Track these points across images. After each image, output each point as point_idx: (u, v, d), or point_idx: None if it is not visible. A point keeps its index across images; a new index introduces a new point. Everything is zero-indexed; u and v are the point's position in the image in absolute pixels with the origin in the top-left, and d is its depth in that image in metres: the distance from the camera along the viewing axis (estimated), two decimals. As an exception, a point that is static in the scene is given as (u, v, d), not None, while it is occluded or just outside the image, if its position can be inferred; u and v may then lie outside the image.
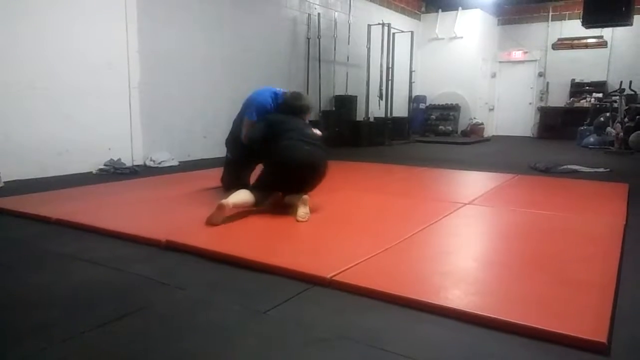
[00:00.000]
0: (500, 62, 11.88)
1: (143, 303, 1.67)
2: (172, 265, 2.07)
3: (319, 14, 7.85)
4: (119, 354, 1.35)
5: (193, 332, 1.47)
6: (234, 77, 6.54)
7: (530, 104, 11.65)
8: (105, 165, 4.83)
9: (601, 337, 1.38)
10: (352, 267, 1.94)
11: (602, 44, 10.62)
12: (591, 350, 1.35)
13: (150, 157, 5.36)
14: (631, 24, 7.93)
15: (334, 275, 1.84)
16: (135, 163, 5.21)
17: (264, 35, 7.02)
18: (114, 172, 4.71)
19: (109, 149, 4.98)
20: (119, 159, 4.96)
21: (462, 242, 2.47)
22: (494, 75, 11.89)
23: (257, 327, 1.51)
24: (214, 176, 4.60)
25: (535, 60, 11.49)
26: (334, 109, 8.37)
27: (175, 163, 5.43)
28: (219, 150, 6.27)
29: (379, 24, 8.93)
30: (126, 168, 4.86)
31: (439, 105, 11.26)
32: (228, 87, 6.47)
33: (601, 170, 5.38)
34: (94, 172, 4.77)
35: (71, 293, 1.78)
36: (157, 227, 2.58)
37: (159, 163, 5.30)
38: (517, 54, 11.69)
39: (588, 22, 7.93)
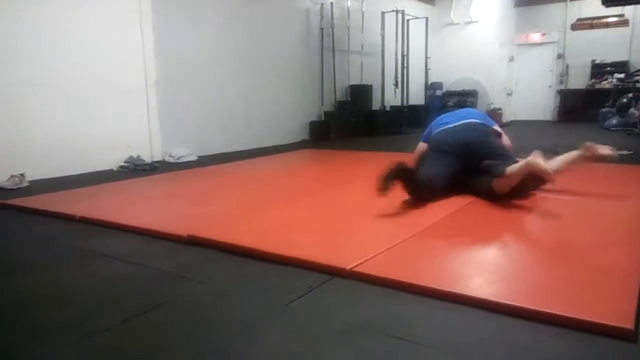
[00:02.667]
0: (517, 45, 11.67)
1: (166, 298, 1.70)
2: (194, 260, 2.10)
3: (331, 3, 7.79)
4: (143, 350, 1.37)
5: (216, 325, 1.49)
6: (248, 70, 6.57)
7: (549, 87, 11.43)
8: (125, 162, 4.91)
9: (628, 323, 1.36)
10: (371, 257, 1.94)
11: (623, 22, 10.32)
12: (618, 337, 1.33)
13: (169, 153, 5.42)
14: (654, 1, 7.70)
15: (354, 267, 1.84)
16: (154, 159, 5.28)
17: (277, 28, 7.01)
18: (134, 169, 4.78)
19: (129, 146, 5.06)
20: (139, 156, 5.03)
21: (482, 229, 2.45)
22: (511, 59, 11.68)
23: (280, 320, 1.52)
24: (233, 170, 4.65)
25: (554, 42, 11.25)
26: (349, 98, 8.34)
27: (194, 158, 5.49)
28: (237, 144, 6.34)
29: (392, 11, 8.84)
30: (146, 164, 4.93)
31: (455, 91, 11.11)
32: (243, 81, 6.51)
33: (624, 152, 5.25)
34: (115, 169, 4.85)
35: (95, 289, 1.82)
36: (178, 222, 2.61)
37: (178, 158, 5.36)
38: (535, 36, 11.46)
39: (609, 1, 7.71)
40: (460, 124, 3.30)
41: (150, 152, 5.34)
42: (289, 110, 7.31)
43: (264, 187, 3.81)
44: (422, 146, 3.48)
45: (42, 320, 1.55)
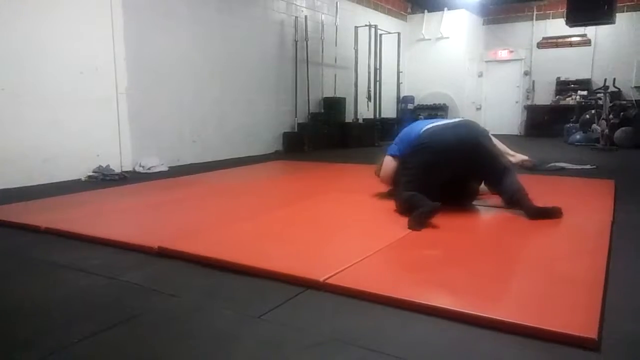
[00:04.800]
0: (486, 61, 12.00)
1: (135, 311, 1.67)
2: (165, 272, 2.06)
3: (306, 16, 7.87)
4: (113, 363, 1.34)
5: (187, 339, 1.47)
6: (222, 80, 6.55)
7: (516, 102, 11.78)
8: (93, 172, 4.80)
9: (591, 333, 1.40)
10: (345, 269, 1.95)
11: (586, 42, 10.77)
12: (582, 347, 1.37)
13: (139, 163, 5.33)
14: (614, 22, 8.06)
15: (327, 278, 1.84)
16: (124, 169, 5.19)
17: (252, 39, 7.02)
18: (103, 179, 4.68)
19: (97, 155, 4.95)
20: (108, 165, 4.93)
21: (452, 241, 2.49)
22: (480, 75, 12.00)
23: (252, 333, 1.51)
24: (205, 181, 4.60)
25: (521, 59, 11.62)
26: (323, 110, 8.39)
27: (164, 168, 5.41)
28: (209, 154, 6.29)
29: (365, 25, 8.97)
30: (115, 174, 4.83)
31: (427, 105, 11.33)
32: (216, 91, 6.48)
33: (588, 167, 5.45)
34: (83, 179, 4.73)
35: (62, 303, 1.77)
36: (148, 234, 2.57)
37: (149, 169, 5.28)
38: (503, 53, 11.81)
39: (572, 21, 8.04)
40: (457, 121, 3.24)
41: (120, 162, 5.24)
42: (262, 121, 7.31)
43: (237, 198, 3.79)
44: (391, 161, 3.35)
45: (6, 335, 1.50)
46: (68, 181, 4.59)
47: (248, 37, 6.95)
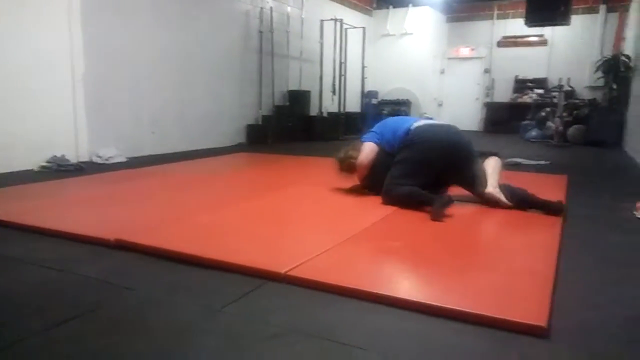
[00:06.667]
0: (448, 58, 12.22)
1: (91, 305, 1.62)
2: (122, 265, 2.01)
3: (271, 7, 7.79)
4: None
5: (144, 333, 1.44)
6: (184, 70, 6.41)
7: (477, 99, 12.06)
8: (48, 162, 4.61)
9: (542, 321, 1.46)
10: (306, 261, 1.96)
11: (543, 42, 11.13)
12: (533, 334, 1.43)
13: (96, 153, 5.16)
14: (569, 24, 8.35)
15: (289, 271, 1.84)
16: (80, 159, 5.01)
17: (215, 28, 6.90)
18: (58, 169, 4.50)
19: (52, 144, 4.76)
20: (63, 155, 4.75)
21: (411, 235, 2.53)
22: (442, 72, 12.21)
23: (212, 325, 1.49)
24: (164, 172, 4.50)
25: (482, 57, 11.89)
26: (287, 103, 8.35)
27: (123, 159, 5.26)
28: (170, 145, 6.16)
29: (331, 19, 8.97)
30: (71, 165, 4.66)
31: (390, 100, 11.45)
32: (177, 80, 6.34)
33: (542, 162, 5.65)
34: (36, 169, 4.54)
35: (12, 297, 1.70)
36: (105, 226, 2.50)
37: (106, 159, 5.12)
38: (465, 51, 12.06)
39: (530, 21, 8.29)
40: (446, 124, 3.38)
41: (76, 152, 5.06)
42: (225, 113, 7.20)
43: (197, 190, 3.73)
44: (373, 148, 3.35)
45: (-52, 332, 1.43)
46: (19, 172, 4.39)
47: (211, 26, 6.82)
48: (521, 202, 2.99)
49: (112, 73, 5.42)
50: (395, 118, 3.48)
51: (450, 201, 2.82)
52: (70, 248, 2.22)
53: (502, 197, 2.98)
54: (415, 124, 3.23)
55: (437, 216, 2.73)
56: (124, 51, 5.53)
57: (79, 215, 2.87)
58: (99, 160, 5.09)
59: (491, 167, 3.12)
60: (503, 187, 3.05)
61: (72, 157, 4.90)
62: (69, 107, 4.99)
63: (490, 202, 3.03)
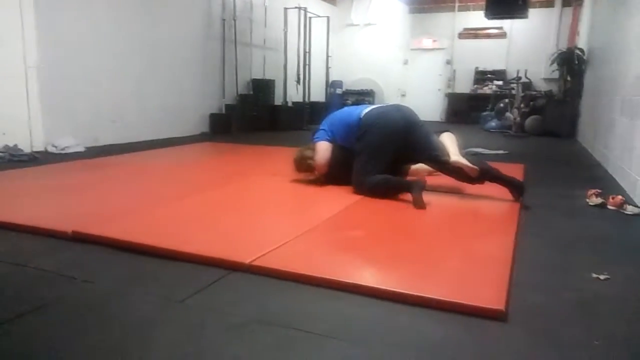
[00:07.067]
0: (411, 49, 12.33)
1: (47, 299, 1.57)
2: (80, 258, 1.95)
3: (234, -6, 7.65)
4: (19, 355, 1.26)
5: (104, 326, 1.41)
6: (144, 57, 6.23)
7: (439, 90, 12.25)
8: (-1, 151, 4.42)
9: (500, 305, 1.51)
10: (270, 251, 1.95)
11: (502, 34, 11.40)
12: (491, 318, 1.48)
13: (52, 143, 4.97)
14: (527, 17, 8.57)
15: (253, 260, 1.84)
16: (35, 149, 4.81)
17: (176, 14, 6.73)
18: (10, 160, 4.31)
19: (4, 133, 4.56)
20: (16, 145, 4.56)
21: (373, 223, 2.56)
22: (405, 62, 12.33)
23: (174, 317, 1.47)
24: (124, 163, 4.38)
25: (444, 49, 12.06)
26: (251, 92, 8.26)
27: (81, 149, 5.08)
28: (130, 135, 5.99)
29: (295, 7, 8.89)
30: (24, 155, 4.47)
31: (354, 90, 11.50)
32: (137, 67, 6.16)
33: (500, 152, 5.82)
34: (-15, 159, 4.34)
35: (-38, 293, 1.62)
36: (61, 218, 2.42)
37: (63, 149, 4.93)
38: (427, 42, 12.20)
39: (490, 14, 8.45)
40: (395, 104, 3.43)
41: (30, 142, 4.85)
42: (187, 101, 7.05)
43: (159, 181, 3.65)
44: (328, 147, 3.35)
45: None
46: (-32, 162, 4.19)
47: (172, 12, 6.64)
48: (485, 172, 3.06)
49: (69, 61, 5.21)
50: (340, 111, 3.50)
51: (425, 184, 2.87)
52: (24, 241, 2.14)
53: (468, 162, 3.00)
54: (364, 111, 3.27)
55: (419, 203, 2.79)
56: (80, 37, 5.32)
57: (33, 207, 2.76)
58: (54, 150, 4.90)
59: (448, 139, 3.19)
60: (466, 158, 3.10)
61: (26, 147, 4.71)
62: (21, 95, 4.77)
63: (457, 173, 3.06)
